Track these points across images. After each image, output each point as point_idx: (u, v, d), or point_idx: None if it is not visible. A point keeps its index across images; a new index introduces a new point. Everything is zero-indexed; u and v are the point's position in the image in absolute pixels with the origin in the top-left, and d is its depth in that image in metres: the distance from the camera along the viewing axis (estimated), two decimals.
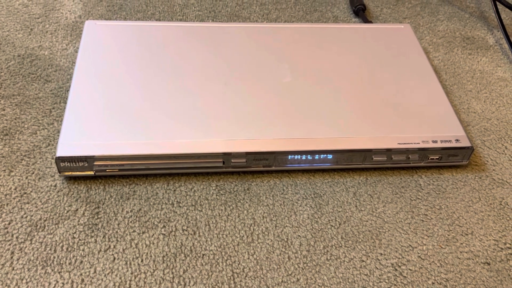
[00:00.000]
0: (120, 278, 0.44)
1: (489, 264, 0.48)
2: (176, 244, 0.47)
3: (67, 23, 0.69)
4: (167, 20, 0.72)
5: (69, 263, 0.44)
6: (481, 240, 0.49)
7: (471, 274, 0.47)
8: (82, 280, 0.43)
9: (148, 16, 0.72)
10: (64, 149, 0.48)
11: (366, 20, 0.74)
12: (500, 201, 0.53)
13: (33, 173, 0.51)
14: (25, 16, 0.70)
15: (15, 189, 0.49)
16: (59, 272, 0.44)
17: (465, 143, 0.54)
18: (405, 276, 0.46)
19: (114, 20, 0.70)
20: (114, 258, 0.45)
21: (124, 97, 0.54)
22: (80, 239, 0.46)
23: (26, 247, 0.45)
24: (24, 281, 0.43)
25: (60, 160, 0.48)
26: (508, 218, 0.52)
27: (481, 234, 0.50)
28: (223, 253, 0.46)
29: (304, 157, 0.52)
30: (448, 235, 0.50)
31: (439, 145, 0.53)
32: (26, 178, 0.50)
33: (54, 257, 0.45)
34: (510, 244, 0.49)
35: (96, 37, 0.61)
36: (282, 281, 0.45)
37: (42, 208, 0.48)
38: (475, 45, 0.73)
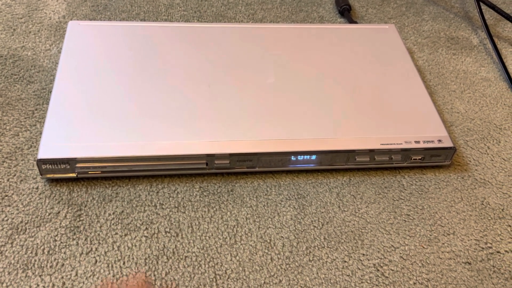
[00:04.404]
0: (101, 281, 0.44)
1: (470, 263, 0.48)
2: (158, 246, 0.46)
3: (50, 23, 0.69)
4: (152, 20, 0.72)
5: (50, 266, 0.44)
6: (462, 240, 0.50)
7: (452, 274, 0.47)
8: (63, 283, 0.43)
9: (133, 16, 0.72)
10: (46, 151, 0.48)
11: (351, 21, 0.74)
12: (481, 201, 0.54)
13: (14, 175, 0.50)
14: (8, 16, 0.69)
15: None
16: (40, 276, 0.43)
17: (447, 143, 0.54)
18: (387, 277, 0.46)
19: (97, 21, 0.69)
20: (96, 261, 0.45)
21: (106, 98, 0.54)
22: (61, 242, 0.46)
23: (6, 250, 0.45)
24: (4, 284, 0.43)
25: (41, 162, 0.48)
26: (489, 218, 0.52)
27: (463, 234, 0.50)
28: (205, 255, 0.46)
29: (287, 158, 0.52)
30: (430, 235, 0.50)
31: (421, 145, 0.54)
32: (8, 180, 0.50)
33: (35, 260, 0.44)
34: (491, 244, 0.50)
35: (80, 38, 0.61)
36: (264, 282, 0.45)
37: (23, 210, 0.48)
38: (460, 45, 0.74)
